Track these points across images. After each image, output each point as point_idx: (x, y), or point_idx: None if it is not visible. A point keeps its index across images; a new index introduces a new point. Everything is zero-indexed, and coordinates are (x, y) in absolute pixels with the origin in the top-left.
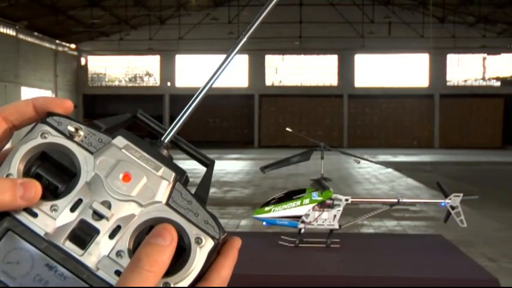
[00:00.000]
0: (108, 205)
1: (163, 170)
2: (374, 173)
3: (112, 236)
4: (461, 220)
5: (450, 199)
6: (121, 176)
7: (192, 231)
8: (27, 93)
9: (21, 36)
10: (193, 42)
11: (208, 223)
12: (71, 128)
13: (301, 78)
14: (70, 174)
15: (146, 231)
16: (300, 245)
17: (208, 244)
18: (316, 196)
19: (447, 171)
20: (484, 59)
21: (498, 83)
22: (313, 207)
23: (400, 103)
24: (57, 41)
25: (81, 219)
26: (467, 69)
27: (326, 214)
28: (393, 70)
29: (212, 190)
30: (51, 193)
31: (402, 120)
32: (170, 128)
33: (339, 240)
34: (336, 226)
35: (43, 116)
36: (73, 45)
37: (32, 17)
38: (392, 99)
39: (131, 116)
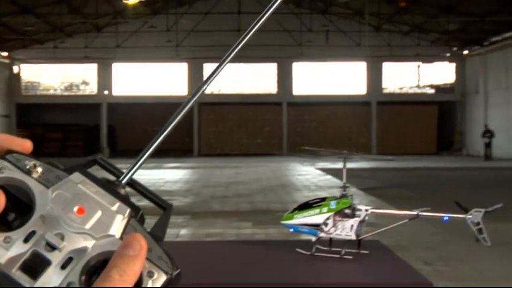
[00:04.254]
0: (61, 237)
1: (118, 205)
2: (313, 180)
3: (63, 267)
4: (484, 238)
5: (471, 215)
6: (75, 209)
7: (144, 265)
8: None
9: None
10: (130, 50)
11: (162, 259)
12: (29, 164)
13: (240, 87)
14: (26, 208)
15: (99, 264)
16: (316, 253)
17: (161, 279)
18: (334, 205)
19: (384, 177)
20: (419, 67)
21: (432, 91)
22: (332, 216)
23: (339, 110)
24: None
25: (33, 250)
26: (402, 77)
27: (343, 224)
28: (331, 78)
29: None
30: (6, 226)
31: (340, 127)
32: (128, 170)
33: (368, 252)
34: (353, 237)
35: (3, 153)
36: (5, 53)
37: None
38: (330, 106)
39: (90, 160)
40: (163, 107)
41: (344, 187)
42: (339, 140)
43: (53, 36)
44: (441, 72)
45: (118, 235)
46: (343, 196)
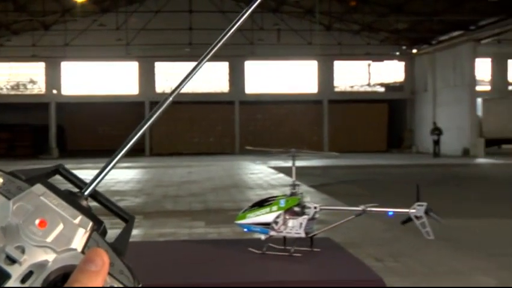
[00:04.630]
0: (22, 250)
1: (80, 218)
2: (266, 178)
3: (23, 280)
4: (427, 232)
5: (414, 209)
6: (37, 221)
7: (106, 280)
8: None
9: None
10: (80, 49)
11: (123, 273)
12: None
13: (192, 85)
14: None
15: (60, 278)
16: (267, 252)
17: None
18: (283, 203)
19: (336, 175)
20: (369, 65)
21: (382, 89)
22: (282, 215)
23: (291, 109)
24: None
25: None
26: (353, 75)
27: (292, 222)
28: (283, 77)
29: None
30: None
31: (293, 125)
32: (90, 181)
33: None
34: (303, 234)
35: None
36: None
37: None
38: (282, 105)
39: (52, 170)
40: (113, 107)
41: (294, 185)
42: (291, 139)
43: None
44: (391, 71)
45: (79, 249)
46: (293, 194)
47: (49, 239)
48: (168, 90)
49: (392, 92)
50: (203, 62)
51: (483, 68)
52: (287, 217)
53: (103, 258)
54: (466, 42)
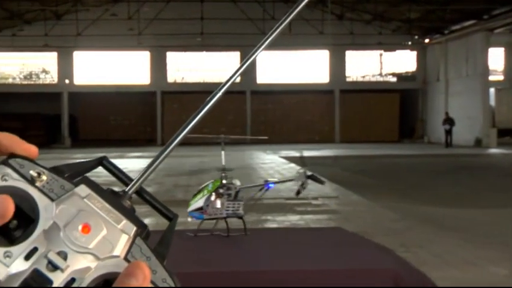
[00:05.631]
0: (64, 256)
1: (124, 223)
2: (277, 168)
3: None
4: (299, 191)
5: (295, 177)
6: (80, 226)
7: None
8: None
9: None
10: (91, 39)
11: (166, 282)
12: (33, 173)
13: (203, 75)
14: (28, 220)
15: (101, 285)
16: (198, 234)
17: None
18: (210, 186)
19: (348, 165)
20: (381, 55)
21: (394, 79)
22: (209, 197)
23: (302, 99)
24: None
25: (35, 269)
26: (365, 65)
27: (217, 203)
28: (294, 66)
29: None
30: (6, 238)
31: (304, 115)
32: (136, 179)
33: (226, 234)
34: (224, 215)
35: (6, 155)
36: None
37: None
38: (294, 95)
39: (96, 162)
40: (125, 96)
41: (224, 169)
42: (302, 128)
43: (11, 23)
44: (403, 61)
45: (122, 255)
46: (222, 179)
47: (92, 245)
48: (179, 81)
49: (404, 82)
50: (257, 52)
51: (496, 58)
52: (212, 199)
53: (144, 272)
54: (478, 32)
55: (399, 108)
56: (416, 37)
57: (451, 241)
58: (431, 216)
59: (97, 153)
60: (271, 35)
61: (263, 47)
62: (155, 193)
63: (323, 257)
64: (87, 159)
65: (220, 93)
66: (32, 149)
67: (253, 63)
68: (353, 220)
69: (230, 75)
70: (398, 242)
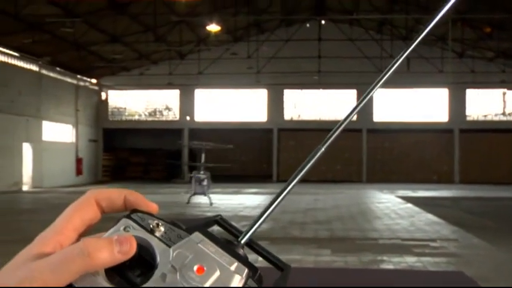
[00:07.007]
0: None
1: (236, 265)
2: (393, 208)
3: None
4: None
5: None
6: (195, 267)
7: None
8: (48, 127)
9: (43, 71)
10: (212, 77)
11: None
12: (152, 224)
13: (319, 113)
14: (148, 266)
15: None
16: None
17: None
18: None
19: (467, 207)
20: (504, 93)
21: None
22: None
23: (419, 137)
24: (78, 76)
25: None
26: (486, 104)
27: None
28: (412, 105)
29: None
30: (129, 283)
31: (421, 154)
32: (247, 229)
33: None
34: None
35: (129, 211)
36: (94, 80)
37: (55, 52)
38: (411, 133)
39: (211, 220)
40: (242, 133)
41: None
42: (419, 167)
43: (139, 63)
44: None
45: None
46: None
47: (206, 285)
48: (296, 118)
49: None
50: (375, 89)
51: None
52: None
53: None
54: None
55: None
56: None
57: None
58: None
59: (214, 188)
60: (387, 72)
61: (379, 84)
62: (270, 229)
63: None
64: (203, 217)
65: (336, 134)
66: (153, 206)
67: (370, 101)
68: (474, 264)
69: (347, 113)
70: None
